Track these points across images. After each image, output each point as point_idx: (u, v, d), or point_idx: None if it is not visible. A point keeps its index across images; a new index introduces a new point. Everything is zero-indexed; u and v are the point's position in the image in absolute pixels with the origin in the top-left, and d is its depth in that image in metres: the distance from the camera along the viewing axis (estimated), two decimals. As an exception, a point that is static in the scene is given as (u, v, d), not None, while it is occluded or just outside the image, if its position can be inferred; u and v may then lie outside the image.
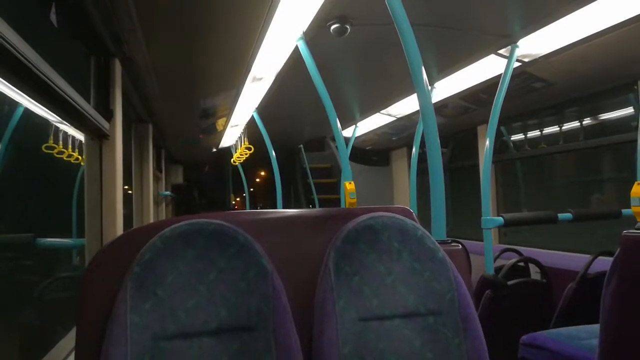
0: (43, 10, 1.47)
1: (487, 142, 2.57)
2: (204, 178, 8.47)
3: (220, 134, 5.02)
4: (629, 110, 3.13)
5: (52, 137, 2.44)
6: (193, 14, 2.00)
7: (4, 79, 1.19)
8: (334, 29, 2.14)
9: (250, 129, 4.56)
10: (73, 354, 1.08)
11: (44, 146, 2.42)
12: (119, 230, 2.04)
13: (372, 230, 1.18)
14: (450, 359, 1.11)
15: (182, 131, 4.85)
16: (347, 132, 4.61)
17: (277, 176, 4.38)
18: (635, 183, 2.33)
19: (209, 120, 4.29)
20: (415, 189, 3.79)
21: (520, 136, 3.99)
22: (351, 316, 1.11)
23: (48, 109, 1.62)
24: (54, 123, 2.44)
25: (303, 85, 2.63)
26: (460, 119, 3.80)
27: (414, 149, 3.60)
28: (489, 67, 2.74)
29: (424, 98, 1.50)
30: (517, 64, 2.57)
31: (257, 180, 8.54)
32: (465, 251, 1.44)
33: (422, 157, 2.13)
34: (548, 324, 2.37)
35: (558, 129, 3.48)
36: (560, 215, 2.50)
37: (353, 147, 4.51)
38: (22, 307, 2.18)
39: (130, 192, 3.70)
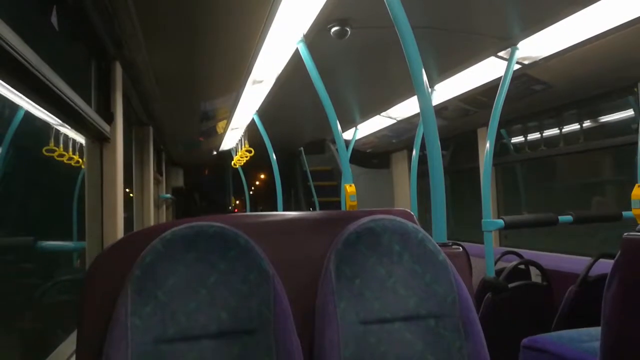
0: (44, 13, 1.47)
1: (488, 145, 2.57)
2: (205, 181, 8.48)
3: (221, 137, 5.03)
4: (629, 112, 3.13)
5: (52, 140, 2.45)
6: (193, 17, 2.00)
7: (5, 81, 1.20)
8: (334, 31, 2.15)
9: (251, 132, 4.56)
10: (74, 357, 1.08)
11: (44, 149, 2.43)
12: (120, 233, 2.04)
13: (373, 233, 1.18)
14: None
15: (182, 134, 4.85)
16: (348, 135, 4.61)
17: (277, 179, 4.38)
18: (636, 185, 2.33)
19: (210, 123, 4.29)
20: (416, 191, 3.79)
21: (520, 139, 3.99)
22: (352, 319, 1.11)
23: (49, 111, 1.63)
24: (55, 126, 2.44)
25: (303, 87, 2.63)
26: (461, 121, 3.80)
27: (414, 152, 3.60)
28: (489, 69, 2.74)
29: (424, 100, 1.50)
30: (517, 67, 2.57)
31: (258, 183, 8.54)
32: (466, 254, 1.44)
33: (423, 160, 2.13)
34: (549, 327, 2.37)
35: (558, 131, 3.48)
36: (561, 218, 2.49)
37: (353, 150, 4.51)
38: (23, 311, 2.18)
39: (131, 195, 3.70)
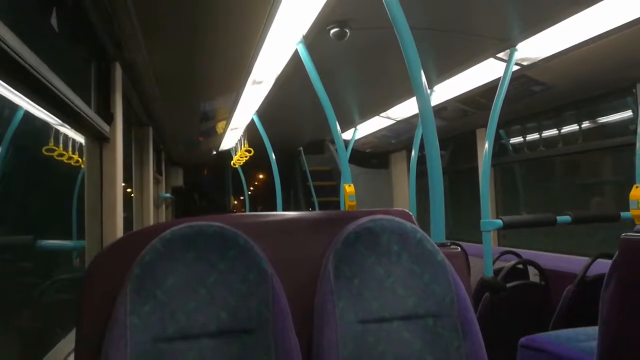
0: (44, 14, 1.47)
1: (486, 145, 2.57)
2: (204, 181, 8.48)
3: (220, 137, 5.03)
4: (628, 113, 3.14)
5: (52, 139, 2.45)
6: (193, 17, 2.01)
7: (5, 82, 1.20)
8: (333, 32, 2.15)
9: (250, 132, 4.56)
10: (72, 355, 1.09)
11: (44, 149, 2.43)
12: (119, 233, 2.05)
13: (372, 233, 1.18)
14: None
15: (182, 134, 4.86)
16: (347, 135, 4.61)
17: (276, 179, 4.39)
18: (634, 186, 2.34)
19: (209, 123, 4.29)
20: (415, 191, 3.79)
21: (519, 139, 3.99)
22: (351, 319, 1.11)
23: (49, 112, 1.63)
24: (54, 126, 2.45)
25: (303, 88, 2.63)
26: (460, 122, 3.81)
27: (413, 152, 3.60)
28: (488, 70, 2.75)
29: (423, 101, 1.51)
30: (516, 67, 2.58)
31: (257, 182, 8.54)
32: (465, 254, 1.45)
33: (422, 160, 2.13)
34: (547, 326, 2.38)
35: (557, 132, 3.49)
36: (559, 218, 2.50)
37: (353, 150, 4.51)
38: (22, 309, 2.18)
39: (130, 194, 3.70)
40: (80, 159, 2.63)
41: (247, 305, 1.07)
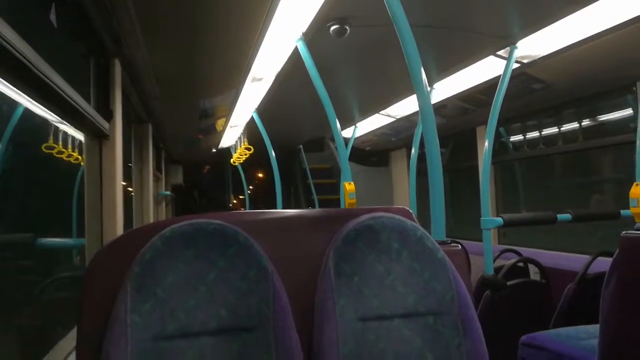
0: (43, 10, 1.47)
1: (486, 143, 2.57)
2: (204, 178, 8.47)
3: (220, 135, 5.03)
4: (628, 111, 3.14)
5: (51, 137, 2.45)
6: (193, 14, 2.00)
7: (3, 78, 1.20)
8: (333, 29, 2.15)
9: (250, 130, 4.56)
10: (73, 354, 1.08)
11: (43, 146, 2.42)
12: (119, 230, 2.04)
13: (372, 231, 1.18)
14: (450, 359, 1.11)
15: (181, 131, 4.85)
16: (347, 133, 4.61)
17: (276, 176, 4.38)
18: (634, 184, 2.33)
19: (209, 121, 4.29)
20: (415, 189, 3.79)
21: (519, 137, 3.99)
22: (351, 316, 1.11)
23: (48, 109, 1.62)
24: (54, 123, 2.44)
25: (302, 85, 2.63)
26: (460, 119, 3.81)
27: (413, 150, 3.60)
28: (488, 68, 2.74)
29: (423, 99, 1.50)
30: (516, 65, 2.57)
31: (257, 180, 8.54)
32: (465, 251, 1.45)
33: (422, 158, 2.13)
34: (547, 325, 2.38)
35: (557, 130, 3.49)
36: (560, 216, 2.50)
37: (353, 148, 4.51)
38: (23, 307, 2.18)
39: (130, 192, 3.70)
40: (79, 157, 2.63)
41: (247, 303, 1.07)
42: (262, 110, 3.74)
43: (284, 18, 2.03)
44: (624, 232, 1.52)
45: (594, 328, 1.76)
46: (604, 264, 1.93)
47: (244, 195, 7.09)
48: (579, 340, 2.03)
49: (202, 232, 1.10)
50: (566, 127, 3.44)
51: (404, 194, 5.10)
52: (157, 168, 5.15)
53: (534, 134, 3.74)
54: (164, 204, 5.82)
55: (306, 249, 1.22)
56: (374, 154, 5.61)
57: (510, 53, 2.43)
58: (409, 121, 4.07)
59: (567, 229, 3.28)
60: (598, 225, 3.26)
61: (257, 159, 5.01)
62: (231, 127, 4.58)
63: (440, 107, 3.51)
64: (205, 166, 8.19)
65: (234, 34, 2.25)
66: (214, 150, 6.09)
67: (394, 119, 4.19)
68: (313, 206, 6.13)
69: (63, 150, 2.48)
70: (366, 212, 1.24)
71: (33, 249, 2.24)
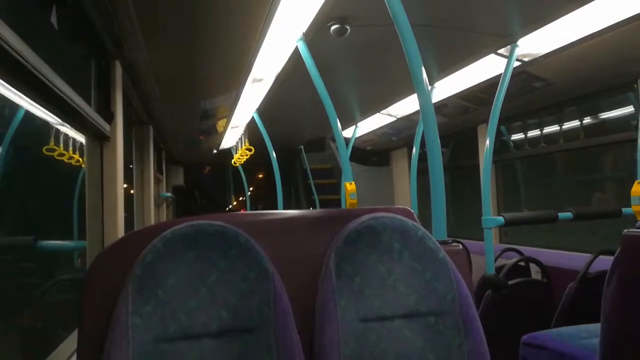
0: (44, 13, 1.47)
1: (487, 142, 2.57)
2: (205, 179, 8.48)
3: (221, 136, 5.03)
4: (629, 109, 3.13)
5: (52, 139, 2.45)
6: (193, 15, 2.00)
7: (4, 80, 1.20)
8: (334, 29, 2.15)
9: (251, 130, 4.56)
10: (75, 356, 1.08)
11: (44, 148, 2.43)
12: (120, 232, 2.04)
13: (373, 231, 1.18)
14: (452, 359, 1.11)
15: (182, 133, 4.85)
16: (347, 133, 4.61)
17: (277, 177, 4.38)
18: (636, 182, 2.33)
19: (210, 122, 4.29)
20: (416, 189, 3.79)
21: (520, 135, 3.99)
22: (352, 317, 1.11)
23: (49, 111, 1.63)
24: (55, 125, 2.44)
25: (303, 86, 2.63)
26: (461, 118, 3.80)
27: (414, 149, 3.60)
28: (489, 66, 2.74)
29: (424, 98, 1.50)
30: (517, 64, 2.57)
31: (258, 181, 8.54)
32: (466, 251, 1.45)
33: (423, 157, 2.13)
34: (549, 324, 2.37)
35: (558, 128, 3.48)
36: (561, 214, 2.50)
37: (353, 148, 4.51)
38: (24, 310, 2.18)
39: (131, 193, 3.70)
40: (80, 159, 2.63)
41: (248, 304, 1.07)
42: (262, 110, 3.74)
43: (284, 18, 2.03)
44: (626, 230, 1.52)
45: (596, 327, 1.76)
46: (605, 262, 1.93)
47: (244, 196, 7.09)
48: (580, 339, 2.02)
49: (203, 233, 1.10)
50: (567, 125, 3.44)
51: (405, 194, 5.10)
52: (158, 169, 5.15)
53: (535, 133, 3.74)
54: (165, 205, 5.82)
55: (307, 249, 1.22)
56: (374, 154, 5.61)
57: (511, 51, 2.43)
58: (409, 120, 4.07)
59: (568, 228, 3.28)
60: (599, 223, 3.26)
61: (258, 160, 5.01)
62: (232, 127, 4.59)
63: (441, 106, 3.51)
64: (206, 167, 8.19)
65: (234, 35, 2.25)
66: (214, 151, 6.09)
67: (394, 119, 4.18)
68: (314, 206, 6.13)
69: (64, 152, 2.48)
70: (367, 212, 1.24)
71: (34, 251, 2.24)
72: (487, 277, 2.41)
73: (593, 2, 1.95)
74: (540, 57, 2.54)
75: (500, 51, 2.53)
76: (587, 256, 2.47)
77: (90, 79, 2.05)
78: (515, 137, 4.11)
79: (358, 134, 4.65)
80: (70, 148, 2.57)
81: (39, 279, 2.42)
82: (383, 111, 4.04)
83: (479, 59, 2.66)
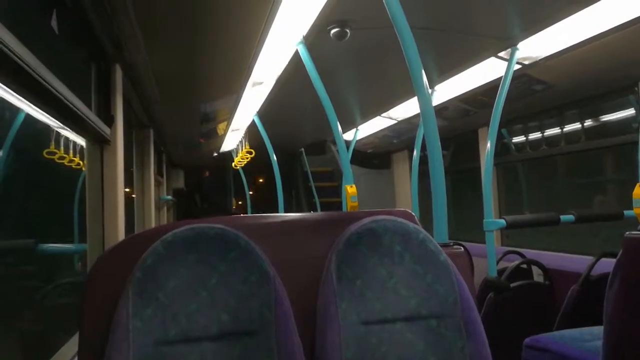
0: (44, 17, 1.47)
1: (488, 145, 2.57)
2: (205, 182, 8.47)
3: (221, 138, 5.03)
4: (630, 111, 3.13)
5: (53, 142, 2.45)
6: (193, 18, 2.01)
7: (5, 84, 1.20)
8: (334, 33, 2.15)
9: (251, 133, 4.56)
10: (76, 359, 1.08)
11: (45, 152, 2.43)
12: (121, 236, 2.04)
13: (374, 234, 1.18)
14: None
15: (183, 136, 4.86)
16: (348, 136, 4.61)
17: (278, 180, 4.38)
18: (637, 184, 2.33)
19: (210, 125, 4.29)
20: (417, 192, 3.78)
21: (521, 138, 3.99)
22: (353, 320, 1.10)
23: (50, 114, 1.63)
24: (55, 129, 2.44)
25: (303, 89, 2.63)
26: (461, 121, 3.80)
27: (415, 152, 3.60)
28: (489, 69, 2.74)
29: (424, 101, 1.50)
30: (517, 67, 2.57)
31: (258, 184, 8.54)
32: (468, 254, 1.44)
33: (424, 160, 2.12)
34: (551, 326, 2.37)
35: (559, 130, 3.48)
36: (563, 217, 2.49)
37: (354, 150, 4.51)
38: (25, 313, 2.18)
39: (132, 196, 3.70)
40: (81, 162, 2.63)
41: (248, 307, 1.07)
42: (263, 113, 3.74)
43: (284, 22, 2.03)
44: (628, 232, 1.52)
45: (598, 330, 1.75)
46: (607, 265, 1.93)
47: (245, 199, 7.08)
48: (583, 342, 2.02)
49: (204, 236, 1.09)
50: (568, 128, 3.43)
51: (406, 197, 5.10)
52: (159, 172, 5.15)
53: (536, 135, 3.74)
54: (165, 208, 5.82)
55: (308, 252, 1.22)
56: (375, 157, 5.60)
57: (512, 54, 2.43)
58: (410, 123, 4.07)
59: (570, 230, 3.27)
60: (601, 226, 3.25)
61: (259, 163, 5.01)
62: (232, 130, 4.59)
63: (441, 109, 3.51)
64: (206, 170, 8.19)
65: (234, 38, 2.25)
66: (215, 154, 6.09)
67: (395, 122, 4.18)
68: (315, 209, 6.12)
69: (64, 155, 2.48)
70: (368, 215, 1.24)
71: (35, 254, 2.24)
72: (489, 280, 2.40)
73: (593, 5, 1.95)
74: (540, 60, 2.54)
75: (501, 54, 2.53)
76: (589, 259, 2.46)
77: (91, 82, 2.05)
78: (516, 139, 4.11)
79: (359, 137, 4.65)
80: (71, 151, 2.57)
81: (40, 282, 2.41)
82: (384, 114, 4.04)
83: (479, 62, 2.66)
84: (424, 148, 1.73)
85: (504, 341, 1.79)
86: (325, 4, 1.90)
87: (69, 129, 2.40)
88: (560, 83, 2.79)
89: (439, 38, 2.32)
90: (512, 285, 2.40)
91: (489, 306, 2.35)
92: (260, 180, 8.31)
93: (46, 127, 2.39)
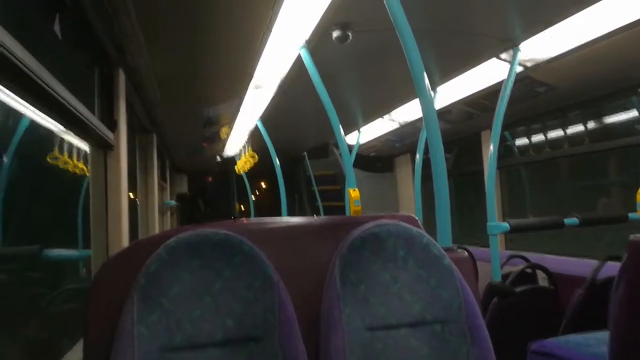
0: (47, 22, 1.48)
1: (491, 147, 2.56)
2: (209, 187, 8.48)
3: (224, 143, 5.04)
4: (634, 113, 3.12)
5: (56, 147, 2.45)
6: (195, 22, 2.01)
7: (9, 90, 1.20)
8: (336, 36, 2.15)
9: (254, 137, 4.56)
10: None
11: (48, 157, 2.43)
12: (125, 241, 2.04)
13: (378, 238, 1.17)
14: None
15: (186, 140, 4.87)
16: (351, 139, 4.61)
17: (281, 184, 4.38)
18: (641, 187, 2.31)
19: (213, 129, 4.30)
20: (420, 195, 3.77)
21: (524, 141, 3.97)
22: (358, 325, 1.10)
23: (53, 120, 1.63)
24: (59, 134, 2.45)
25: (306, 92, 2.63)
26: (464, 124, 3.80)
27: (417, 155, 3.59)
28: (491, 72, 2.74)
29: (426, 104, 1.50)
30: (519, 69, 2.57)
31: (261, 188, 8.54)
32: (472, 258, 1.43)
33: (427, 163, 2.12)
34: (556, 331, 2.35)
35: (562, 133, 3.47)
36: (567, 220, 2.48)
37: (357, 154, 4.50)
38: (30, 319, 2.18)
39: (136, 201, 3.71)
40: (84, 167, 2.63)
41: (253, 313, 1.06)
42: (266, 117, 3.74)
43: (286, 25, 2.03)
44: (632, 235, 1.51)
45: (604, 334, 1.74)
46: (613, 268, 1.91)
47: (248, 203, 7.08)
48: (588, 347, 2.00)
49: (208, 242, 1.09)
50: (572, 130, 3.42)
51: (409, 200, 5.08)
52: (162, 177, 5.16)
53: (540, 138, 3.73)
54: (169, 213, 5.83)
55: (311, 257, 1.21)
56: (378, 160, 5.60)
57: (514, 56, 2.43)
58: (413, 127, 4.06)
59: (574, 234, 3.26)
60: (605, 229, 3.24)
61: (262, 167, 5.01)
62: (235, 135, 4.59)
63: (444, 112, 3.50)
64: (209, 175, 8.20)
65: (237, 42, 2.26)
66: (218, 158, 6.10)
67: (398, 125, 4.18)
68: (318, 213, 6.12)
69: (68, 161, 2.49)
70: (371, 219, 1.24)
71: (39, 260, 2.25)
72: (494, 285, 2.39)
73: (593, 7, 1.94)
74: (543, 62, 2.53)
75: (503, 56, 2.53)
76: (594, 262, 2.45)
77: (94, 87, 2.06)
78: (519, 142, 4.09)
79: (362, 141, 4.65)
80: (74, 156, 2.58)
81: (45, 288, 2.41)
82: (386, 117, 4.04)
83: (481, 63, 2.65)
84: (426, 151, 1.72)
85: (508, 346, 1.78)
86: (328, 7, 1.90)
87: (72, 134, 2.40)
88: (563, 85, 2.78)
89: (440, 39, 2.32)
90: (516, 289, 2.38)
91: (493, 311, 2.34)
92: (263, 185, 8.31)
93: (50, 133, 2.39)
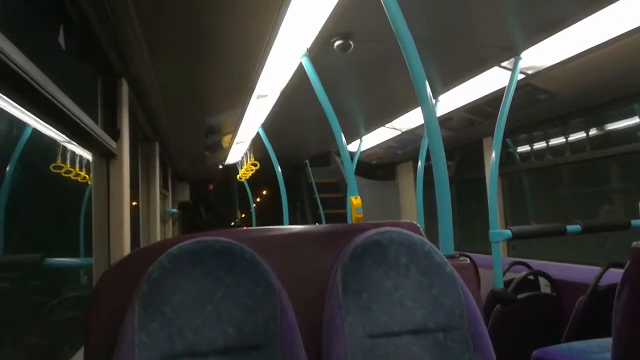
0: (52, 33, 1.49)
1: (493, 155, 2.56)
2: (211, 195, 8.49)
3: (226, 151, 5.05)
4: (635, 120, 3.12)
5: (59, 156, 2.46)
6: (197, 31, 2.03)
7: (12, 100, 1.21)
8: (337, 45, 2.16)
9: (256, 145, 4.58)
10: None
11: (52, 165, 2.44)
12: (127, 249, 2.04)
13: (379, 246, 1.17)
14: None
15: (188, 149, 4.88)
16: (352, 147, 4.61)
17: (283, 192, 4.39)
18: (643, 194, 2.31)
19: (215, 138, 4.31)
20: (422, 203, 3.77)
21: (526, 148, 3.98)
22: (359, 333, 1.10)
23: (56, 129, 1.64)
24: (62, 143, 2.46)
25: (308, 101, 2.64)
26: (466, 131, 3.80)
27: (419, 163, 3.59)
28: (493, 79, 2.75)
29: (428, 111, 1.51)
30: (521, 76, 2.57)
31: (263, 196, 8.54)
32: (474, 265, 1.43)
33: (428, 171, 2.12)
34: (559, 338, 2.34)
35: (564, 140, 3.47)
36: (569, 227, 2.47)
37: (359, 162, 4.51)
38: (31, 327, 2.18)
39: (138, 210, 3.71)
40: (87, 176, 2.64)
41: (254, 321, 1.06)
42: (267, 126, 3.75)
43: (288, 34, 2.05)
44: (635, 242, 1.51)
45: (607, 342, 1.73)
46: (615, 275, 1.91)
47: (250, 211, 7.09)
48: (591, 354, 1.99)
49: (209, 249, 1.10)
50: (573, 137, 3.42)
51: (411, 207, 5.08)
52: (164, 186, 5.17)
53: (541, 145, 3.73)
54: (170, 221, 5.83)
55: (313, 265, 1.22)
56: (380, 168, 5.60)
57: (515, 64, 2.43)
58: (414, 134, 4.07)
59: (576, 241, 3.25)
60: (607, 236, 3.23)
61: (263, 175, 5.02)
62: (237, 143, 4.61)
63: (445, 119, 3.51)
64: (211, 183, 8.21)
65: (239, 52, 2.27)
66: (220, 166, 6.11)
67: (399, 132, 4.19)
68: (319, 221, 6.11)
69: (71, 169, 2.50)
70: (373, 227, 1.24)
71: (41, 268, 2.25)
72: (496, 292, 2.38)
73: (596, 14, 1.95)
74: (544, 69, 2.54)
75: (504, 64, 2.54)
76: (596, 269, 2.44)
77: (97, 96, 2.07)
78: (521, 149, 4.10)
79: (363, 148, 4.66)
80: (77, 165, 2.59)
81: (46, 296, 2.41)
82: (388, 125, 4.05)
83: (483, 72, 2.66)
84: (428, 158, 1.72)
85: (511, 354, 1.77)
86: (329, 16, 1.91)
87: (75, 143, 2.42)
88: (564, 92, 2.79)
89: (442, 48, 2.33)
90: (519, 297, 2.38)
91: (495, 318, 2.33)
92: (265, 192, 8.32)
93: (53, 142, 2.41)
